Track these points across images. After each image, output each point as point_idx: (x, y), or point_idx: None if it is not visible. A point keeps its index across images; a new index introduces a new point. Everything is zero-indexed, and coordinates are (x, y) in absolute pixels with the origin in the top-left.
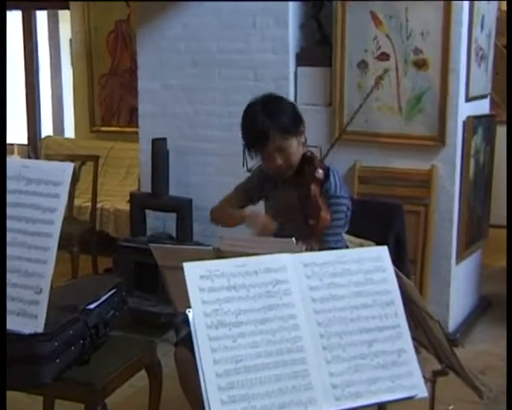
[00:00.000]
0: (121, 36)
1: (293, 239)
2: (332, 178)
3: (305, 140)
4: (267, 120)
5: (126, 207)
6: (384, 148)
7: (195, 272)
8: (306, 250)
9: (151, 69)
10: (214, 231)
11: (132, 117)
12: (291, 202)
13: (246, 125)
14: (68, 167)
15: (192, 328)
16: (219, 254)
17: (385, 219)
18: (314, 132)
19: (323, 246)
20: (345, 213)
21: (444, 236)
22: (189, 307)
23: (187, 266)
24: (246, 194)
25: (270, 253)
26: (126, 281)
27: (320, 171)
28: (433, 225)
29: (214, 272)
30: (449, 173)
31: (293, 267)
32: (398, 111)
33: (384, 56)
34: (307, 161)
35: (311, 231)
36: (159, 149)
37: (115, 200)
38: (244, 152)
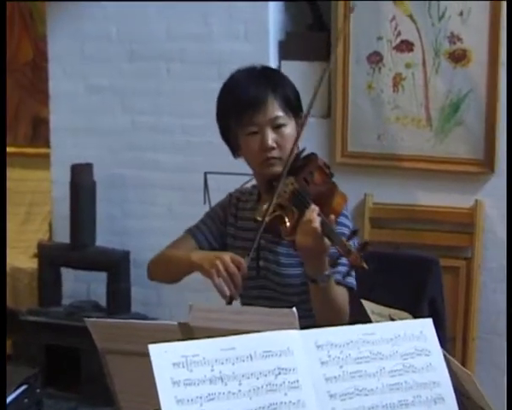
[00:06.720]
0: (18, 12)
1: (294, 310)
2: None
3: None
4: (266, 87)
5: (31, 264)
6: (406, 176)
7: (166, 358)
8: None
9: (68, 63)
10: (162, 299)
11: (37, 132)
12: (275, 228)
13: (231, 94)
14: None
15: None
16: (188, 333)
17: (413, 279)
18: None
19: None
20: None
21: (494, 302)
22: (153, 409)
23: (154, 349)
24: (197, 238)
25: (263, 330)
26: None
27: (325, 165)
28: (479, 286)
29: (192, 358)
30: (500, 213)
31: (301, 350)
32: (426, 124)
33: (406, 46)
34: (305, 159)
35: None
36: (81, 179)
37: (11, 254)
38: (206, 183)
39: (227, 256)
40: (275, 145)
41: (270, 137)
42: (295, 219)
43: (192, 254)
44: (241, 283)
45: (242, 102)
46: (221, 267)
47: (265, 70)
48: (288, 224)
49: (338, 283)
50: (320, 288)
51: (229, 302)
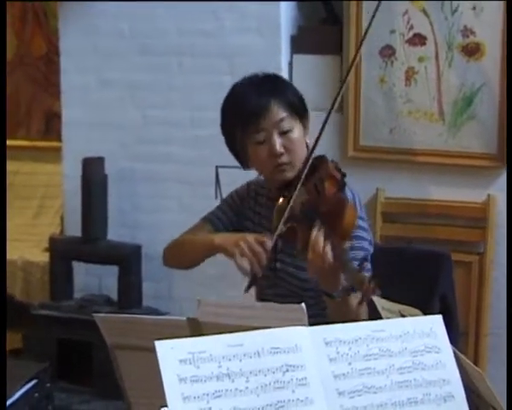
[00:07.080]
0: (32, 9)
1: (303, 306)
2: (348, 192)
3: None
4: (267, 93)
5: (42, 257)
6: (418, 171)
7: (173, 355)
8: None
9: (80, 58)
10: (173, 292)
11: (50, 126)
12: (290, 239)
13: (234, 105)
14: None
15: None
16: (196, 329)
17: (425, 274)
18: (318, 149)
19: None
20: (367, 251)
21: (506, 297)
22: (162, 404)
23: (160, 345)
24: (214, 222)
25: (272, 325)
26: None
27: (336, 169)
28: (491, 281)
29: (199, 355)
30: None
31: (310, 346)
32: (438, 118)
33: (419, 40)
34: (316, 161)
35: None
36: (92, 173)
37: (24, 247)
38: (217, 177)
39: (251, 237)
40: (283, 151)
41: (278, 143)
42: (306, 233)
43: (215, 237)
44: (265, 262)
45: (246, 111)
46: (244, 246)
47: (266, 77)
48: (299, 241)
49: None
50: (336, 301)
51: (253, 281)
